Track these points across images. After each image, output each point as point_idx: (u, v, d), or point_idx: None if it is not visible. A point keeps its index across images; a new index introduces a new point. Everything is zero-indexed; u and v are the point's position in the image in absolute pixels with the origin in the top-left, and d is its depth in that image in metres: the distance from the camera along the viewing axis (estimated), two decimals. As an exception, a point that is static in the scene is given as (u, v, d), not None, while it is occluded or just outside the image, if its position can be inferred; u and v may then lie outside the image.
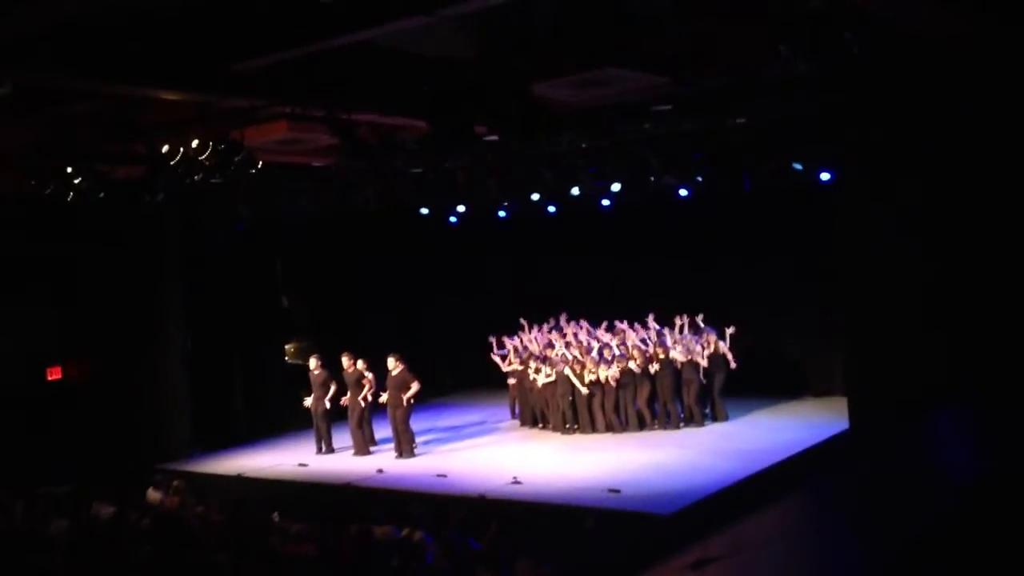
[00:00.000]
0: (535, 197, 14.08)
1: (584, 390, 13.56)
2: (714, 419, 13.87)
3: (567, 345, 14.20)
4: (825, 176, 11.71)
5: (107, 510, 10.18)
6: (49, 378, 14.44)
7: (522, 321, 15.32)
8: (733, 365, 13.63)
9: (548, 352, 14.28)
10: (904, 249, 10.10)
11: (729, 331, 13.66)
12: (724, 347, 13.63)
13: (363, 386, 13.49)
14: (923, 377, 9.62)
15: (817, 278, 13.68)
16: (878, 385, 10.28)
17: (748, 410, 14.25)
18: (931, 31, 8.29)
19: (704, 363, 13.49)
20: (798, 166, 11.70)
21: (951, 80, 9.25)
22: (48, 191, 11.30)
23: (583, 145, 12.02)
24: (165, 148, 10.25)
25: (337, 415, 13.96)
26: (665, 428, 13.61)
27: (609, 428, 13.69)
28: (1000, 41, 8.51)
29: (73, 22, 6.81)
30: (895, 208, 10.19)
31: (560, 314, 15.34)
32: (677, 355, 13.42)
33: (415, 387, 13.15)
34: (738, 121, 10.97)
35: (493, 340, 15.31)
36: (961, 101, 9.29)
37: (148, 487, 11.75)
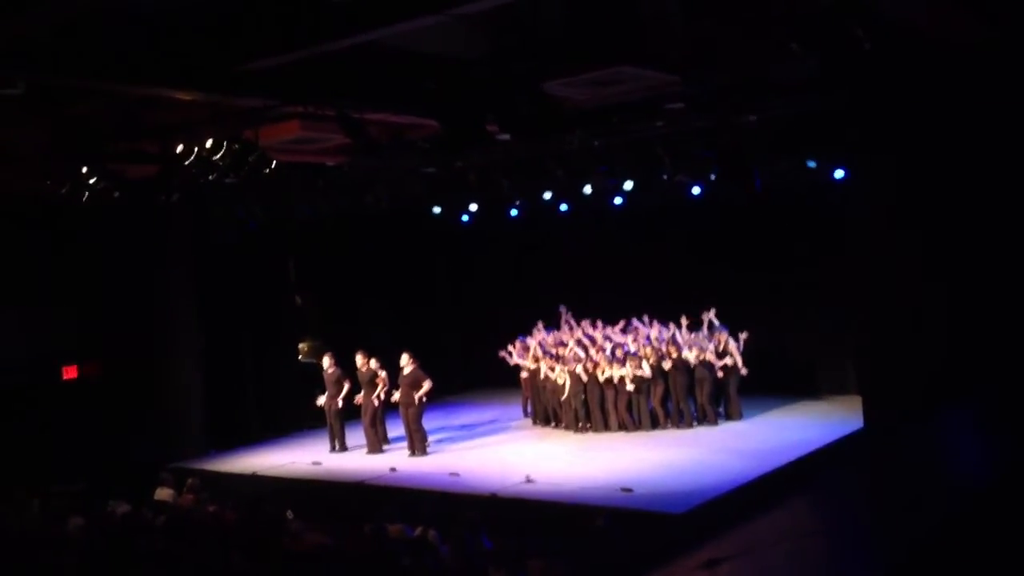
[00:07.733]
0: (547, 196, 14.09)
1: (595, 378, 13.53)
2: (728, 417, 13.83)
3: (579, 344, 14.18)
4: (839, 174, 11.66)
5: (122, 508, 10.25)
6: (65, 377, 14.54)
7: (538, 324, 15.32)
8: (744, 372, 13.57)
9: (560, 351, 14.27)
10: (916, 246, 10.06)
11: (743, 336, 13.60)
12: (733, 346, 13.58)
13: (376, 385, 13.50)
14: (937, 374, 9.57)
15: (831, 276, 13.62)
16: (891, 383, 10.23)
17: (761, 409, 14.20)
18: (940, 28, 8.26)
19: (717, 362, 13.44)
20: (811, 164, 11.67)
21: (962, 77, 9.20)
22: (63, 191, 11.37)
23: (595, 143, 12.01)
24: (179, 148, 10.30)
25: (350, 414, 14.00)
26: (678, 427, 13.57)
27: (622, 427, 13.67)
28: (1008, 38, 8.46)
29: (86, 22, 6.84)
30: (907, 206, 10.14)
31: (559, 307, 15.31)
32: (689, 355, 13.39)
33: (427, 385, 13.15)
34: (750, 119, 10.94)
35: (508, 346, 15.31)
36: (971, 98, 9.25)
37: (157, 485, 11.81)
